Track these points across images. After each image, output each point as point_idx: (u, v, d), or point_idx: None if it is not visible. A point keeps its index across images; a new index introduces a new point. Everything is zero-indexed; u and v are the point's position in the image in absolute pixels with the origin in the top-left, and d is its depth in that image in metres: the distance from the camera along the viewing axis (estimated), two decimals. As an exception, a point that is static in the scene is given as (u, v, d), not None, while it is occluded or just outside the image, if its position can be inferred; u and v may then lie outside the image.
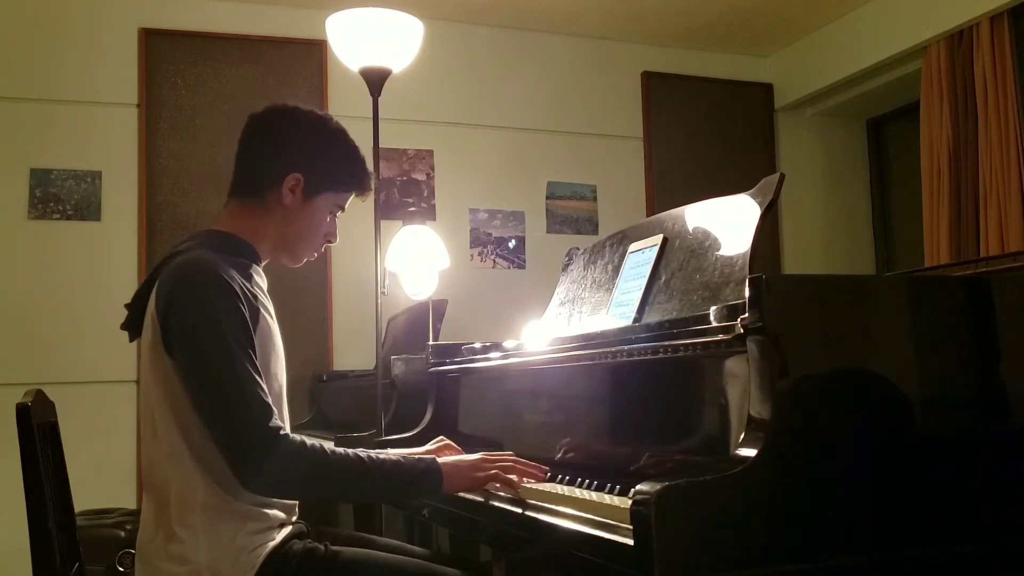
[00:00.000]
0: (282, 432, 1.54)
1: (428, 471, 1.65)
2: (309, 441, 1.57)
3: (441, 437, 1.96)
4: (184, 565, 1.54)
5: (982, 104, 4.00)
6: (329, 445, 1.60)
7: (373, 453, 1.64)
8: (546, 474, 1.73)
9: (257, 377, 1.55)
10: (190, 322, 1.55)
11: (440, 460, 1.68)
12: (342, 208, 1.83)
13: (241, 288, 1.60)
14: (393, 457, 1.67)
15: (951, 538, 1.31)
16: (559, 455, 1.86)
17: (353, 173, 1.81)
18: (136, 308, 1.68)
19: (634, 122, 4.99)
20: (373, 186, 1.87)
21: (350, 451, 1.61)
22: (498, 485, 1.71)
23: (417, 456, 1.71)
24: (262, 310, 1.66)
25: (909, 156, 4.74)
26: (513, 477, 1.68)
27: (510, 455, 1.76)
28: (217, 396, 1.53)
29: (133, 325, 1.69)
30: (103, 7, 4.21)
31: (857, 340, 1.35)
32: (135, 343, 1.72)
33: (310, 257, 1.84)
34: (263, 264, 1.79)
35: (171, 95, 4.25)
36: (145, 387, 1.64)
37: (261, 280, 1.75)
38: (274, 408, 1.56)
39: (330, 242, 1.84)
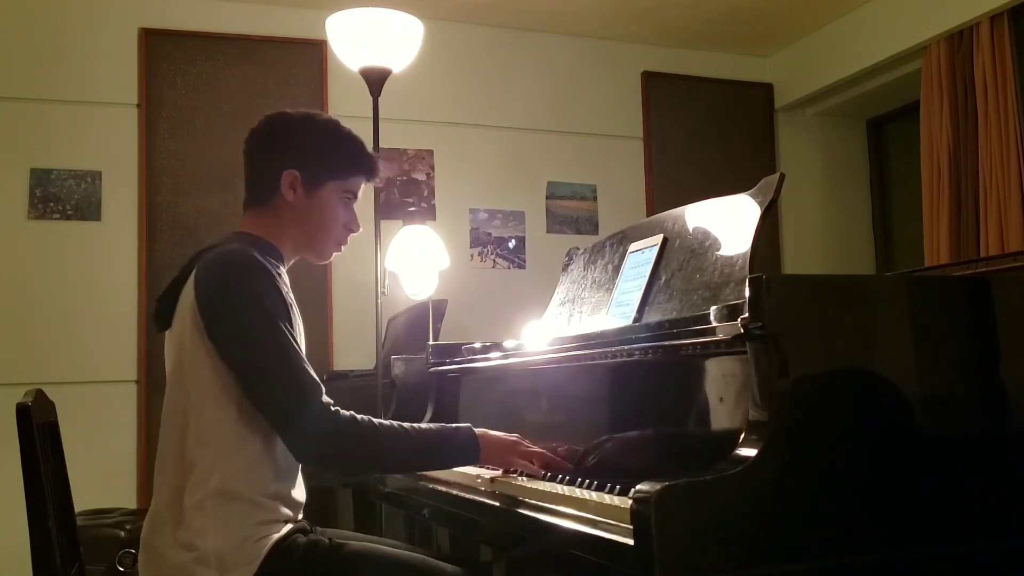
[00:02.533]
0: (333, 407, 1.61)
1: (467, 442, 1.74)
2: (358, 416, 1.64)
3: None
4: (191, 552, 1.57)
5: (982, 104, 4.00)
6: (376, 419, 1.67)
7: (414, 424, 1.72)
8: (571, 470, 1.77)
9: (304, 355, 1.63)
10: (238, 307, 1.61)
11: (478, 431, 1.76)
12: (354, 195, 1.84)
13: (276, 278, 1.66)
14: (434, 427, 1.76)
15: (951, 538, 1.31)
16: (559, 455, 1.86)
17: (349, 157, 1.82)
18: (168, 299, 1.72)
19: (634, 122, 4.98)
20: (379, 167, 1.88)
21: (394, 423, 1.69)
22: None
23: (455, 426, 1.78)
24: (292, 304, 1.71)
25: (909, 156, 4.74)
26: (537, 468, 1.76)
27: (539, 449, 1.82)
28: (271, 376, 1.59)
29: (162, 316, 1.73)
30: (103, 7, 4.21)
31: (857, 340, 1.35)
32: (152, 340, 1.75)
33: (336, 250, 1.86)
34: (287, 266, 1.82)
35: (171, 95, 4.25)
36: (174, 376, 1.67)
37: (286, 279, 1.79)
38: (321, 385, 1.63)
39: (352, 231, 1.85)
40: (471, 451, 1.73)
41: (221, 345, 1.61)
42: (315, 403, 1.60)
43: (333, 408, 1.62)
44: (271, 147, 1.80)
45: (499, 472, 1.82)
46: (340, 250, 1.86)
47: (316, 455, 1.66)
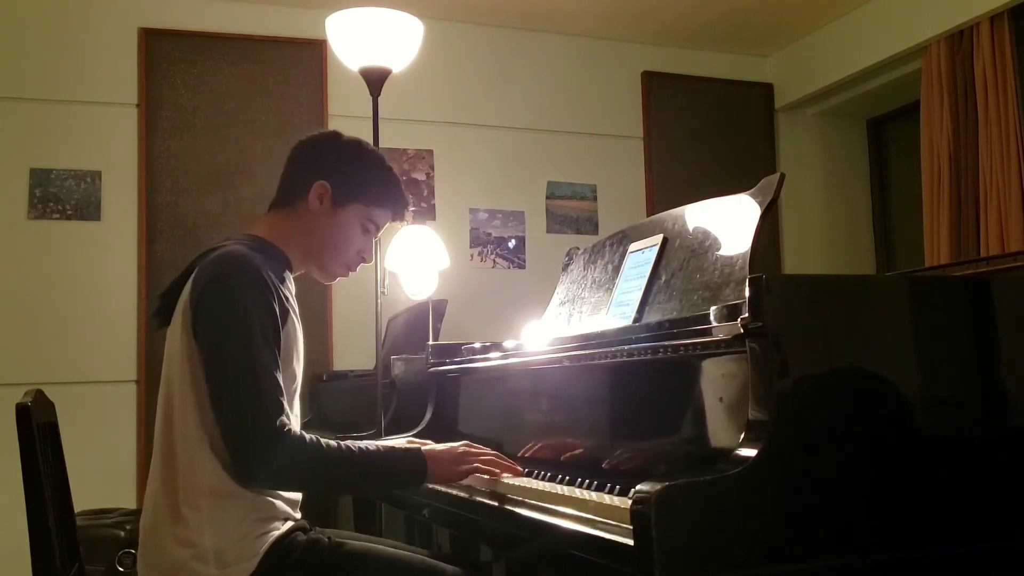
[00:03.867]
0: (286, 429, 1.58)
1: (416, 464, 1.71)
2: (307, 437, 1.61)
3: None
4: (189, 548, 1.57)
5: (982, 104, 4.00)
6: (325, 440, 1.64)
7: (363, 445, 1.69)
8: (522, 472, 1.77)
9: (275, 372, 1.60)
10: (220, 311, 1.60)
11: (425, 451, 1.73)
12: (376, 226, 1.86)
13: (274, 285, 1.65)
14: (383, 450, 1.72)
15: (951, 538, 1.31)
16: (559, 455, 1.86)
17: (383, 189, 1.85)
18: (169, 297, 1.72)
19: (634, 122, 4.98)
20: (408, 210, 1.92)
21: (343, 445, 1.66)
22: (484, 476, 1.77)
23: (404, 448, 1.75)
24: (291, 311, 1.71)
25: (909, 156, 4.74)
26: (493, 470, 1.75)
27: (489, 451, 1.82)
28: (232, 386, 1.58)
29: (163, 314, 1.74)
30: (103, 7, 4.21)
31: (857, 340, 1.35)
32: (151, 338, 1.74)
33: (342, 274, 1.87)
34: (295, 274, 1.83)
35: (171, 95, 4.25)
36: (167, 373, 1.68)
37: (291, 285, 1.80)
38: (285, 405, 1.60)
39: (364, 260, 1.87)
40: (418, 473, 1.71)
41: (200, 347, 1.61)
42: (267, 426, 1.55)
43: (286, 430, 1.57)
44: (314, 156, 1.84)
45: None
46: (347, 275, 1.88)
47: (258, 477, 1.60)
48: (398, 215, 1.90)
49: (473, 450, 1.79)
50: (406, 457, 1.72)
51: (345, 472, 1.67)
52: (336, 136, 1.87)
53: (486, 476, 1.76)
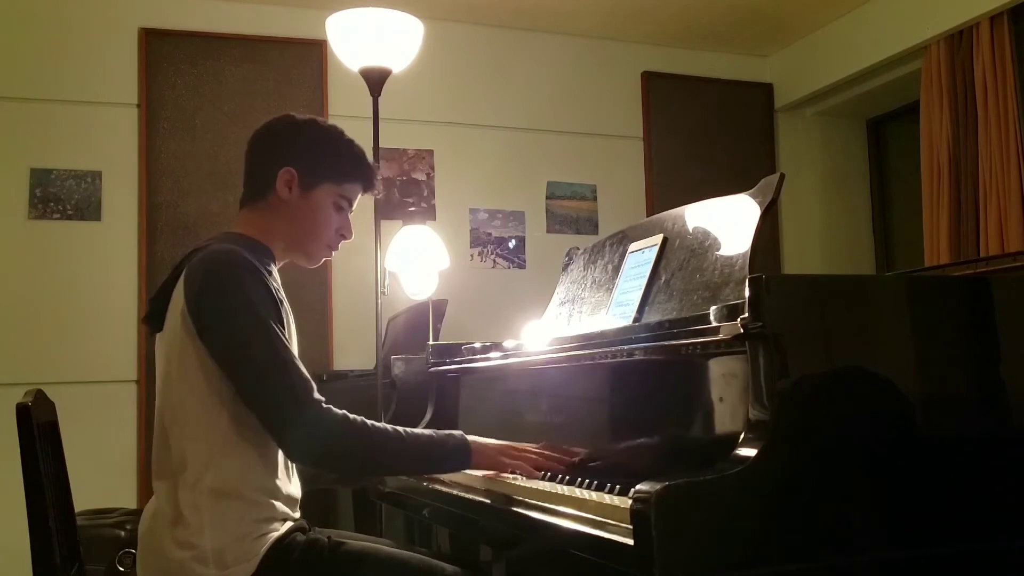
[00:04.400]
0: (325, 405, 1.60)
1: (458, 447, 1.73)
2: (351, 415, 1.63)
3: None
4: (189, 550, 1.57)
5: (982, 104, 4.00)
6: (369, 420, 1.66)
7: (405, 428, 1.71)
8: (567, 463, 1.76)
9: (295, 353, 1.63)
10: (226, 305, 1.61)
11: (469, 437, 1.76)
12: (348, 201, 1.85)
13: (265, 277, 1.67)
14: (426, 431, 1.75)
15: (951, 538, 1.31)
16: (556, 456, 1.86)
17: (348, 162, 1.84)
18: (160, 301, 1.72)
19: (634, 122, 4.99)
20: (377, 179, 1.90)
21: (388, 425, 1.68)
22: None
23: (446, 432, 1.77)
24: (283, 301, 1.72)
25: (909, 156, 4.74)
26: (533, 471, 1.75)
27: (535, 448, 1.80)
28: (261, 374, 1.59)
29: (155, 318, 1.73)
30: (103, 7, 4.21)
31: (857, 340, 1.35)
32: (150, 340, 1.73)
33: (326, 255, 1.87)
34: (279, 265, 1.83)
35: (171, 95, 4.25)
36: (163, 377, 1.68)
37: (277, 277, 1.80)
38: (313, 382, 1.62)
39: (344, 237, 1.86)
40: (462, 455, 1.73)
41: (212, 347, 1.61)
42: (307, 403, 1.59)
43: (325, 405, 1.61)
44: (272, 145, 1.82)
45: (492, 472, 1.82)
46: (330, 255, 1.87)
47: (309, 456, 1.66)
48: (369, 185, 1.88)
49: (515, 447, 1.79)
50: (450, 439, 1.74)
51: (389, 450, 1.67)
52: (290, 119, 1.85)
53: (530, 474, 1.75)
